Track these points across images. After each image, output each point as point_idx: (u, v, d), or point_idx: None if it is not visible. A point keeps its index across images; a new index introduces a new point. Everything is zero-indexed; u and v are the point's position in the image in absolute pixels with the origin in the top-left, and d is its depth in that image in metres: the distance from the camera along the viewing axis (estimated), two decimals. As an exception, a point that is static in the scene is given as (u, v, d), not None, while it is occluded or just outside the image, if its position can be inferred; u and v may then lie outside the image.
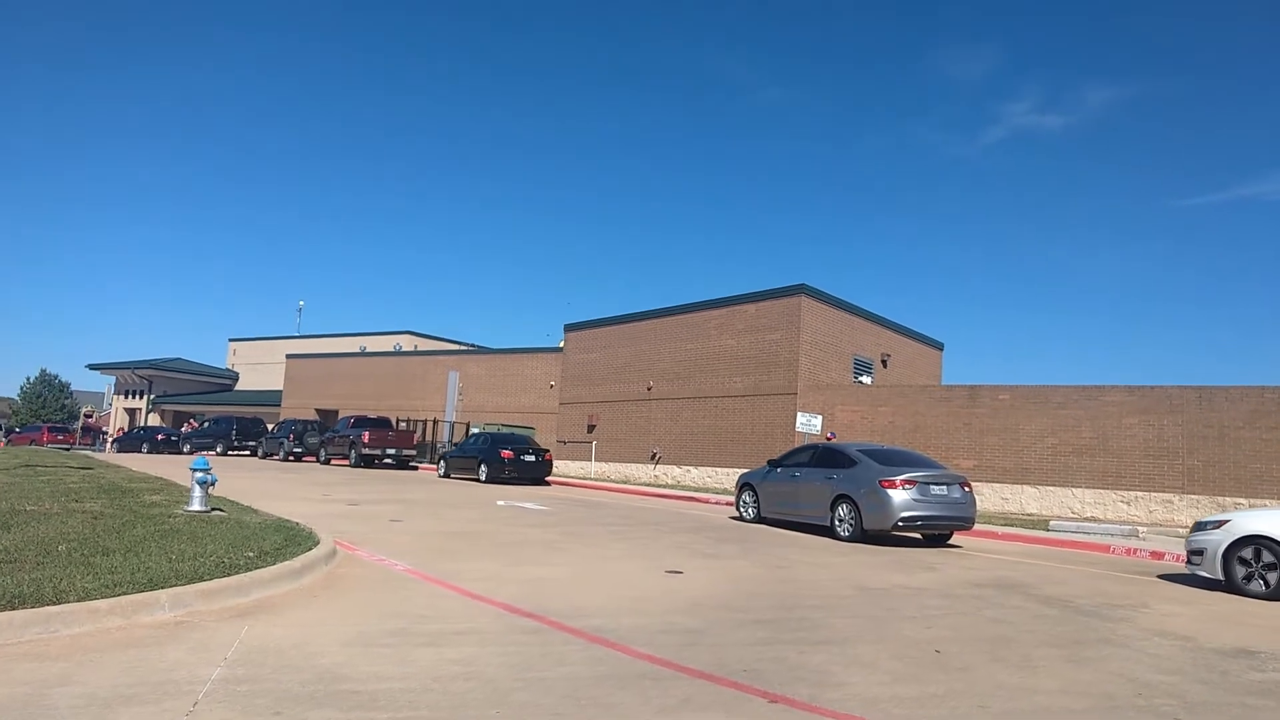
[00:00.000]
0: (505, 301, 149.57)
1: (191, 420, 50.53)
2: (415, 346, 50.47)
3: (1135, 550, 13.23)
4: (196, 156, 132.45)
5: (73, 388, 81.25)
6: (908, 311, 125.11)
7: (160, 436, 40.43)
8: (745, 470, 18.45)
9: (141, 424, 53.15)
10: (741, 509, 15.87)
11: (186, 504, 10.42)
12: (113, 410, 60.70)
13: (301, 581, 6.98)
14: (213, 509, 10.42)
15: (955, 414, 22.51)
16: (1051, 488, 20.62)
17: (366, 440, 30.19)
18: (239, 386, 61.18)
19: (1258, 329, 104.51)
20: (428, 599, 6.82)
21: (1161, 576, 10.65)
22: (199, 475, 10.36)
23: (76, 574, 5.82)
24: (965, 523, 13.15)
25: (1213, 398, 19.02)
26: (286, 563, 7.07)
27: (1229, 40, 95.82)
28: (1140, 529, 16.03)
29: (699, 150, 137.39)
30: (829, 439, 23.38)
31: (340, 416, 37.69)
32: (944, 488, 12.90)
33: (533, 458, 25.07)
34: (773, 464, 15.50)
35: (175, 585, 5.80)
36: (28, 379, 78.84)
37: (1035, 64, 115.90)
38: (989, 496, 21.16)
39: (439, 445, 34.63)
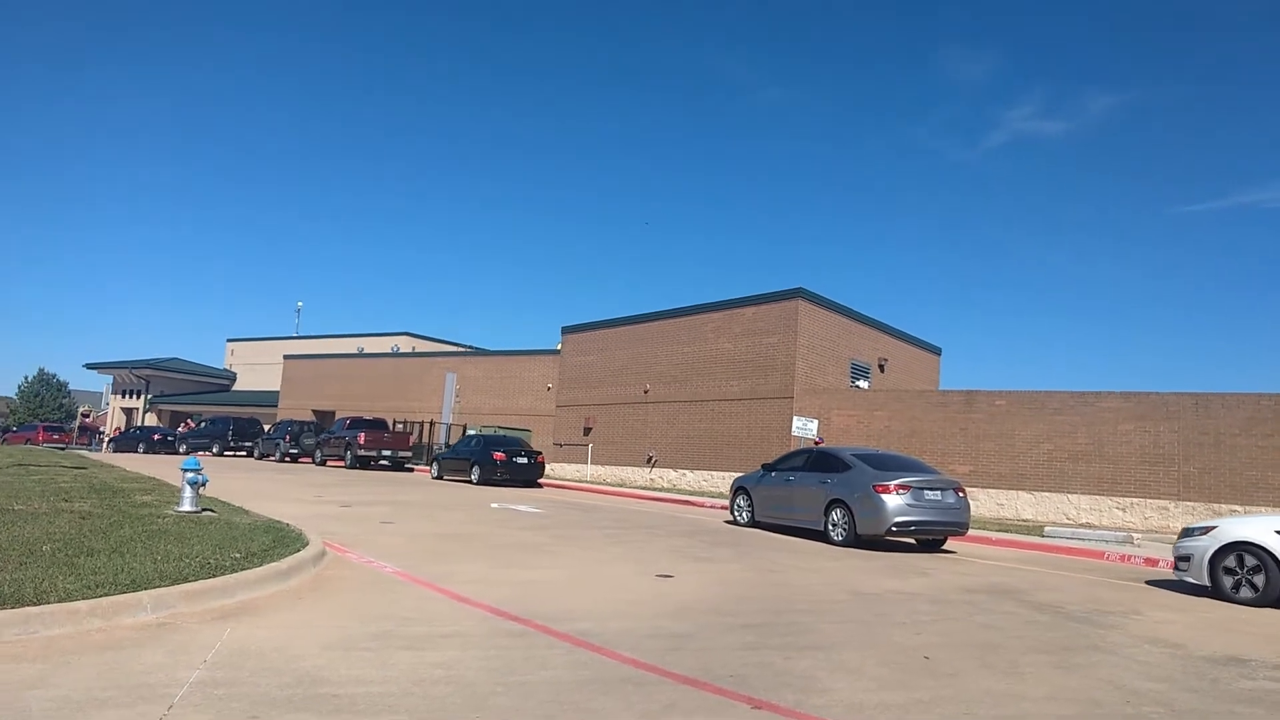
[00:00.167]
0: (503, 303, 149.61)
1: (189, 420, 50.42)
2: (413, 348, 50.41)
3: (1129, 557, 13.20)
4: (195, 156, 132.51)
5: (71, 387, 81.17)
6: (906, 316, 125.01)
7: (157, 436, 40.39)
8: (740, 474, 18.40)
9: (139, 424, 53.07)
10: (736, 513, 15.82)
11: (177, 504, 10.37)
12: (110, 410, 60.63)
13: (288, 583, 6.94)
14: (203, 509, 10.38)
15: (951, 419, 22.48)
16: (1047, 493, 20.58)
17: (362, 441, 30.15)
18: (236, 387, 61.12)
19: (1255, 336, 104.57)
20: (414, 601, 6.78)
21: (1154, 583, 10.62)
22: (189, 476, 10.32)
23: (59, 575, 5.77)
24: (959, 528, 13.11)
25: (1209, 404, 19.00)
26: (273, 564, 7.02)
27: (1228, 48, 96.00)
28: (1135, 535, 15.99)
29: (698, 151, 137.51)
30: (817, 443, 23.36)
31: (337, 418, 37.65)
32: (938, 493, 12.87)
33: (525, 460, 25.04)
34: (767, 468, 15.46)
35: (158, 586, 5.75)
36: (26, 378, 78.76)
37: (1036, 70, 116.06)
38: (984, 502, 21.13)
39: (435, 447, 34.58)
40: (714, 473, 26.40)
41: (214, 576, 6.25)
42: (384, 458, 30.95)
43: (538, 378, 35.67)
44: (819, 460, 14.34)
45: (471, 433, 30.54)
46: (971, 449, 21.94)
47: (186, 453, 36.21)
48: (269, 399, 49.78)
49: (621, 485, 27.39)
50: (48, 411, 72.08)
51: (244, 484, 18.41)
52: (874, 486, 12.61)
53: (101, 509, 9.99)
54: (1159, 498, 19.14)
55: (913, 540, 13.50)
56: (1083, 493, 20.11)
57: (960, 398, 22.77)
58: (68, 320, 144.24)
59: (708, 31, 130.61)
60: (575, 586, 7.97)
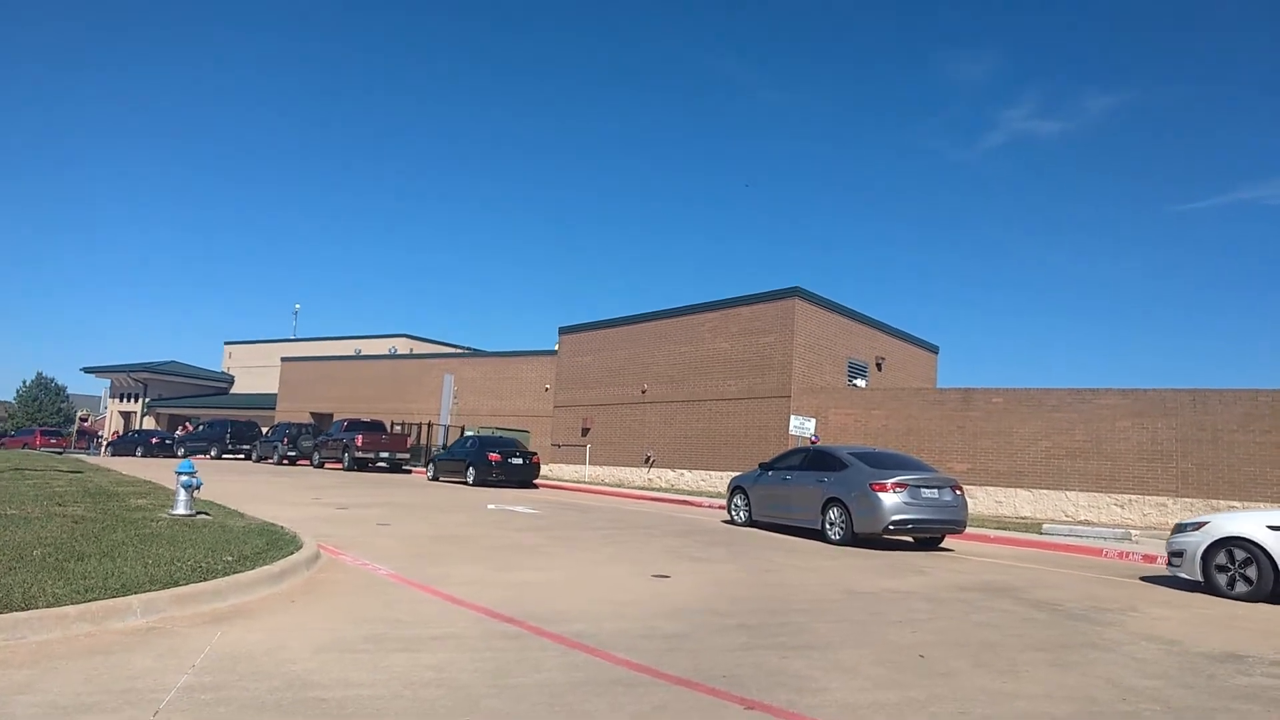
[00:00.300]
0: (501, 304, 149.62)
1: (187, 424, 50.36)
2: (411, 349, 50.34)
3: (1128, 554, 13.18)
4: (192, 158, 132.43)
5: (69, 391, 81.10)
6: (903, 315, 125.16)
7: (155, 440, 40.31)
8: (738, 474, 18.37)
9: (137, 427, 52.98)
10: (733, 512, 15.79)
11: (171, 508, 10.33)
12: (108, 414, 60.56)
13: (280, 586, 6.90)
14: (198, 513, 10.34)
15: (949, 417, 22.46)
16: (1045, 491, 20.56)
17: (360, 444, 30.11)
18: (234, 390, 61.03)
19: (1252, 332, 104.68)
20: (408, 604, 6.74)
21: (1152, 580, 10.59)
22: (184, 479, 10.28)
23: (48, 579, 5.73)
24: (956, 526, 13.08)
25: (1206, 401, 18.98)
26: (265, 567, 6.99)
27: (1226, 46, 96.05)
28: (1133, 532, 15.98)
29: (697, 151, 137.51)
30: (813, 442, 23.33)
31: (335, 420, 37.60)
32: (935, 491, 12.84)
33: (520, 461, 25.01)
34: (764, 467, 15.43)
35: (149, 590, 5.71)
36: (24, 382, 78.78)
37: (1034, 69, 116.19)
38: (983, 500, 21.10)
39: (434, 449, 34.54)
40: (712, 472, 26.37)
41: (205, 580, 6.21)
42: (382, 460, 30.90)
43: (535, 378, 35.62)
44: (816, 459, 14.32)
45: (470, 434, 30.50)
46: (969, 447, 21.92)
47: (185, 456, 36.14)
48: (267, 402, 49.70)
49: (619, 485, 27.36)
50: (46, 416, 72.02)
51: (241, 487, 18.36)
52: (871, 485, 12.59)
53: (95, 513, 9.95)
54: (1157, 494, 19.12)
55: (910, 539, 13.47)
56: (1081, 490, 20.09)
57: (957, 396, 22.75)
58: (66, 324, 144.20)
59: (707, 32, 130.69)
60: (570, 588, 7.94)
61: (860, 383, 27.70)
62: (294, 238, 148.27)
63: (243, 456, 37.87)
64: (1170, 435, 19.19)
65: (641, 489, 25.86)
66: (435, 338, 55.48)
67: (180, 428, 48.30)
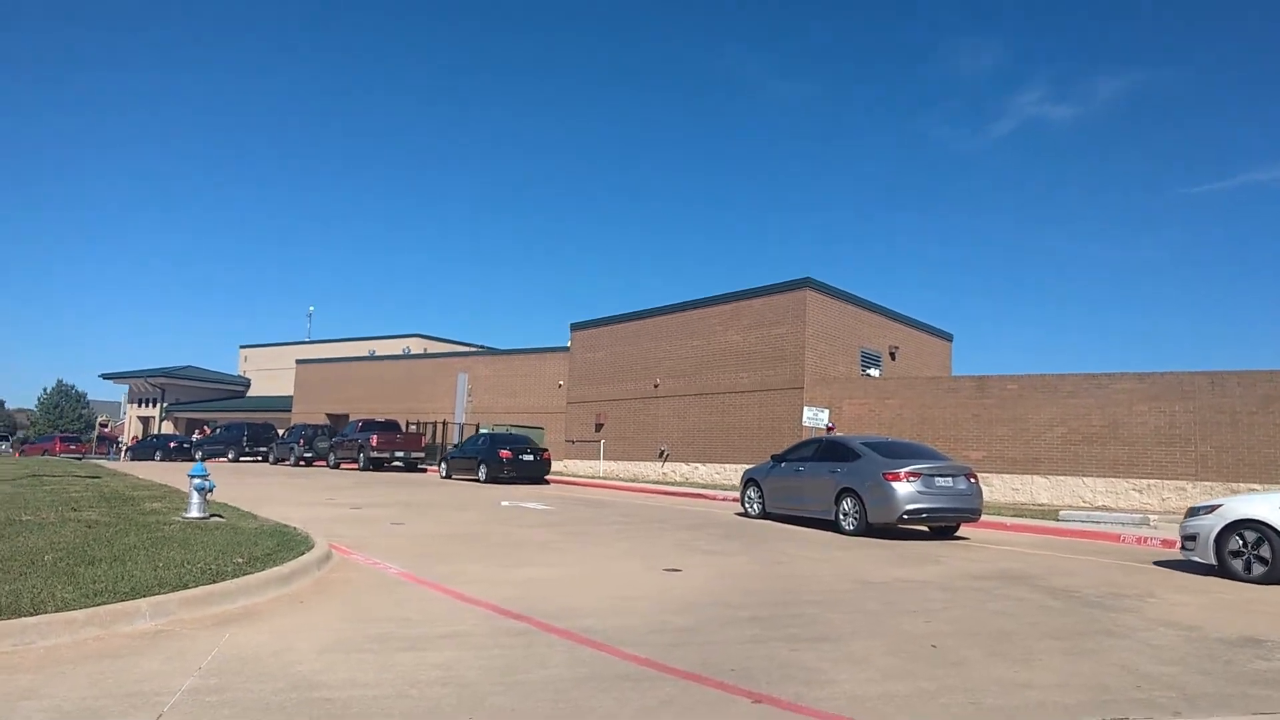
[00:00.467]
0: (514, 302, 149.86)
1: (205, 427, 50.70)
2: (425, 349, 50.48)
3: (1147, 539, 13.02)
4: (205, 163, 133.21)
5: (89, 398, 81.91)
6: (917, 304, 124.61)
7: (173, 444, 40.58)
8: (751, 466, 18.31)
9: (155, 432, 53.39)
10: (746, 505, 15.74)
11: (184, 511, 10.39)
12: (127, 419, 61.08)
13: (290, 587, 6.91)
14: (211, 515, 10.40)
15: (963, 405, 22.30)
16: (1062, 477, 20.38)
17: (375, 444, 30.21)
18: (251, 393, 61.39)
19: (1269, 313, 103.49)
20: (417, 602, 6.73)
21: (1171, 565, 10.46)
22: (196, 482, 10.34)
23: (58, 584, 5.75)
24: (972, 514, 12.98)
25: (1224, 383, 18.75)
26: (275, 568, 7.00)
27: (1237, 28, 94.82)
28: (1152, 517, 15.81)
29: (705, 146, 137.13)
30: (829, 430, 23.23)
31: (350, 420, 37.74)
32: (949, 479, 12.74)
33: (531, 457, 25.07)
34: (776, 459, 15.36)
35: (158, 594, 5.73)
36: (45, 390, 79.60)
37: (1044, 54, 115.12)
38: (999, 487, 20.95)
39: (448, 447, 34.63)
40: (726, 465, 26.30)
41: (214, 582, 6.22)
42: (397, 459, 31.00)
43: (549, 375, 35.64)
44: (828, 449, 14.23)
45: (484, 431, 30.55)
46: (984, 434, 21.75)
47: (202, 459, 36.36)
48: (283, 404, 49.97)
49: (634, 480, 27.34)
50: (67, 422, 72.75)
51: (256, 489, 18.45)
52: (884, 475, 12.50)
53: (109, 517, 10.01)
54: (1176, 478, 18.91)
55: (925, 528, 13.37)
56: (1098, 475, 19.91)
57: (972, 383, 22.57)
58: (84, 331, 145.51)
59: (712, 26, 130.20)
60: (580, 583, 7.91)
61: (874, 372, 27.54)
62: (307, 241, 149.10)
63: (260, 459, 38.06)
64: (1188, 419, 18.97)
65: (656, 483, 25.82)
66: (448, 337, 55.68)
67: (197, 431, 48.63)
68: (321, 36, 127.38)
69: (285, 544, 8.21)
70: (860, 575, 8.87)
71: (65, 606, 5.22)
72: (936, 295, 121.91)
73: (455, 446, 30.09)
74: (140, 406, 60.28)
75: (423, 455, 31.91)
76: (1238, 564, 9.10)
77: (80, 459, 38.76)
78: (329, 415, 44.14)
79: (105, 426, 65.92)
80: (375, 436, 30.36)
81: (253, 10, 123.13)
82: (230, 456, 37.79)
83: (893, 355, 28.76)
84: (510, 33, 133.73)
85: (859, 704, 4.35)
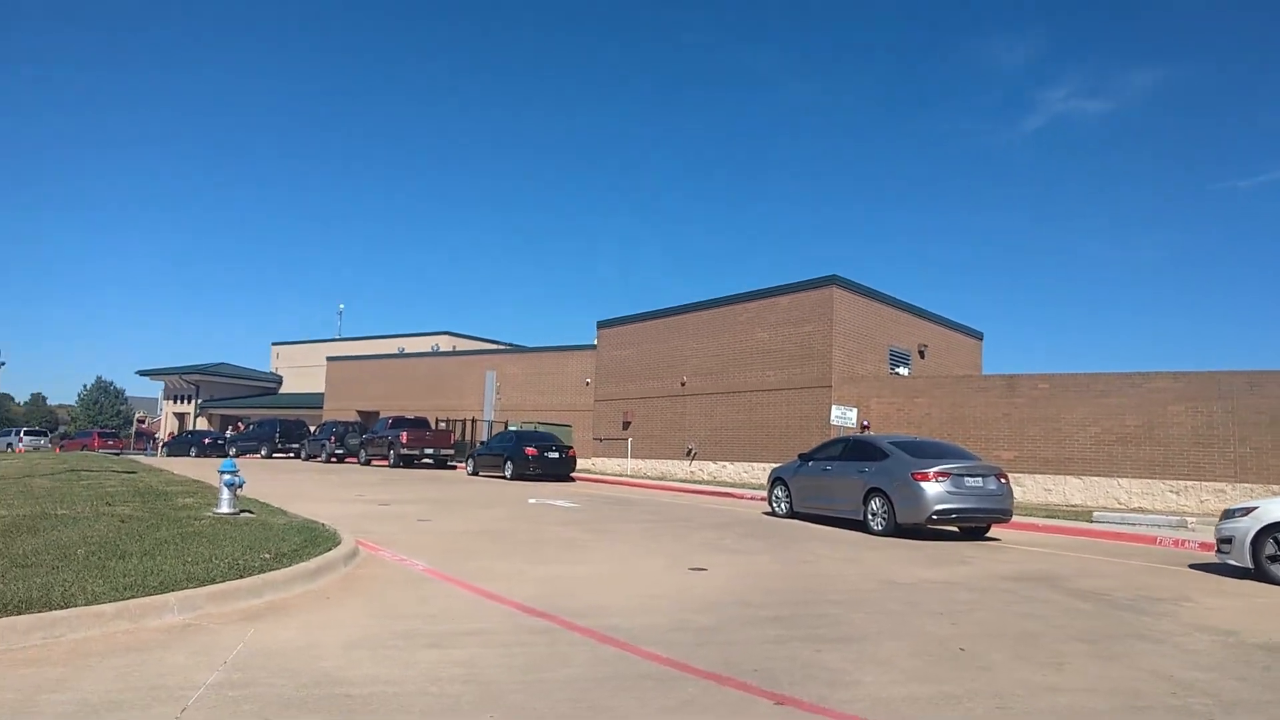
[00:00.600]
0: (541, 300, 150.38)
1: (239, 423, 51.41)
2: (453, 347, 50.82)
3: (1183, 542, 12.76)
4: (240, 167, 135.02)
5: (128, 394, 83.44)
6: (947, 302, 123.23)
7: (207, 440, 41.18)
8: (778, 465, 18.21)
9: (190, 428, 54.24)
10: (774, 504, 15.64)
11: (215, 507, 10.51)
12: (163, 415, 62.09)
13: (316, 583, 6.96)
14: (241, 511, 10.51)
15: (993, 404, 22.00)
16: (1096, 478, 20.04)
17: (405, 440, 30.42)
18: (283, 389, 62.14)
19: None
20: (442, 599, 6.76)
21: (1208, 568, 10.23)
22: (226, 478, 10.45)
23: (88, 578, 5.84)
24: (1002, 515, 12.79)
25: (1263, 383, 18.33)
26: (302, 564, 7.06)
27: (1270, 19, 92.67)
28: (1189, 519, 15.48)
29: (732, 145, 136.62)
30: (864, 428, 23.03)
31: (380, 417, 38.06)
32: (979, 479, 12.57)
33: (556, 455, 25.19)
34: (804, 458, 15.25)
35: (186, 588, 5.80)
36: (85, 386, 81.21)
37: (1074, 50, 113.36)
38: (1031, 488, 20.66)
39: (477, 444, 34.81)
40: (754, 464, 26.18)
41: (241, 577, 6.29)
42: (427, 456, 31.18)
43: (576, 373, 35.69)
44: (856, 449, 14.10)
45: (513, 428, 30.67)
46: (1016, 434, 21.45)
47: (236, 455, 36.89)
48: (314, 401, 50.53)
49: (662, 478, 27.30)
50: (107, 418, 74.18)
51: (287, 486, 18.67)
52: (913, 474, 12.36)
53: (142, 512, 10.16)
54: (1214, 480, 18.52)
55: (955, 529, 13.21)
56: (1134, 476, 19.55)
57: (1002, 382, 22.27)
58: (124, 330, 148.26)
59: (741, 26, 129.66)
60: (605, 581, 7.90)
61: (903, 371, 27.27)
62: (338, 240, 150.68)
63: (292, 455, 38.50)
64: (1226, 419, 18.56)
65: (683, 482, 25.77)
66: (477, 334, 55.99)
67: (231, 428, 49.34)
68: (357, 39, 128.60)
69: (313, 540, 8.27)
70: (887, 576, 8.77)
71: (95, 600, 5.30)
72: (966, 294, 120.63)
73: (481, 444, 30.25)
74: (176, 403, 61.27)
75: (452, 452, 32.09)
76: (1276, 568, 8.90)
77: (118, 454, 39.46)
78: (359, 412, 44.55)
79: (143, 422, 67.08)
80: (405, 433, 30.58)
81: (288, 15, 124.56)
82: (263, 453, 38.28)
83: (922, 353, 28.46)
84: (539, 33, 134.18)
85: (883, 707, 4.30)
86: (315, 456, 35.49)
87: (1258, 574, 9.08)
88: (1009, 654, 5.48)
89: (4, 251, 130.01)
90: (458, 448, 33.33)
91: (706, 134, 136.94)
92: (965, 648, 5.61)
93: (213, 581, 6.05)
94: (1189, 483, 18.82)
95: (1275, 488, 17.44)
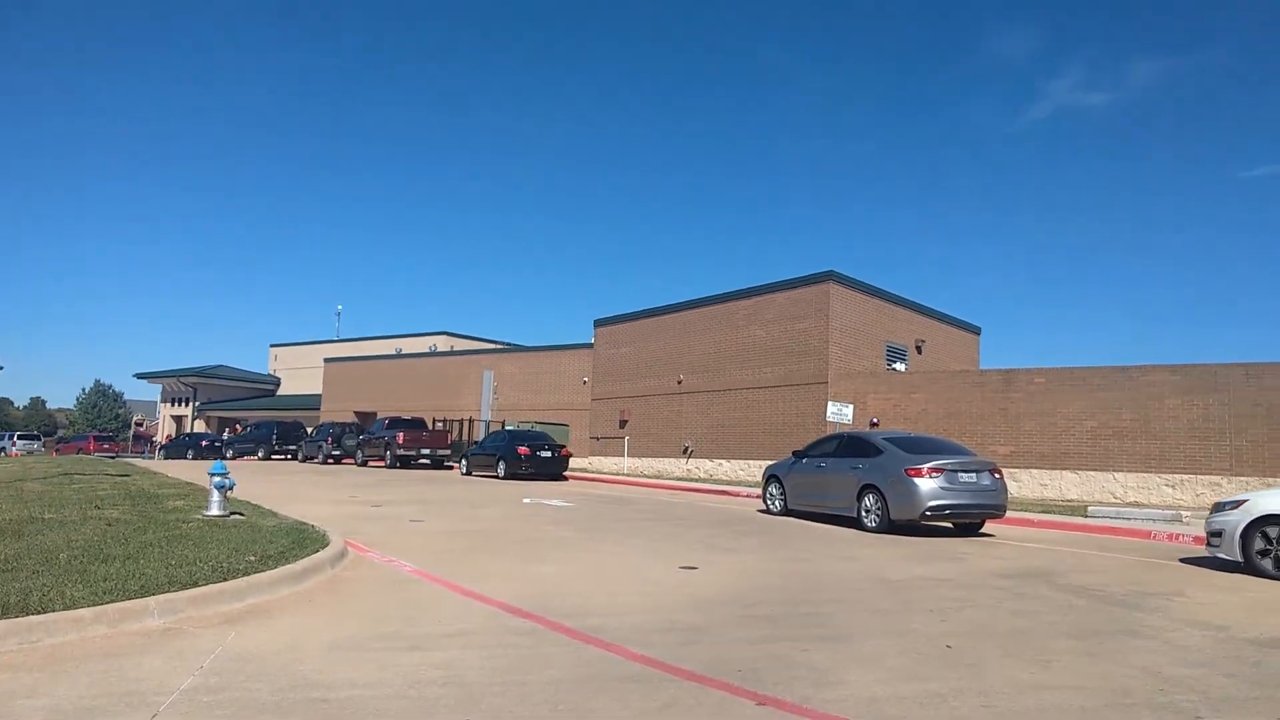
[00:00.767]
0: (539, 299, 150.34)
1: (237, 425, 51.32)
2: (451, 347, 50.74)
3: (1178, 535, 12.73)
4: (236, 166, 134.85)
5: (126, 397, 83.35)
6: (945, 297, 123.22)
7: (204, 442, 41.11)
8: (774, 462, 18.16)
9: (188, 431, 54.18)
10: (768, 501, 15.60)
11: (205, 509, 10.46)
12: (161, 418, 62.04)
13: (302, 585, 6.91)
14: (231, 513, 10.45)
15: (990, 399, 21.95)
16: (1092, 472, 19.99)
17: (401, 441, 30.38)
18: (281, 391, 62.07)
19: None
20: (428, 601, 6.70)
21: (1201, 562, 10.18)
22: (216, 480, 10.39)
23: (69, 582, 5.78)
24: (996, 510, 12.75)
25: (1261, 375, 18.28)
26: (287, 566, 7.00)
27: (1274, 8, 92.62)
28: (1185, 513, 15.44)
29: (730, 143, 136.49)
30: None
31: (377, 418, 38.01)
32: (973, 475, 12.52)
33: (549, 454, 25.20)
34: (798, 455, 15.20)
35: (167, 592, 5.74)
36: (83, 390, 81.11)
37: (1074, 44, 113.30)
38: (1027, 483, 20.61)
39: (471, 444, 34.76)
40: (750, 462, 26.13)
41: (225, 580, 6.23)
42: (423, 456, 31.16)
43: (573, 372, 35.64)
44: (850, 445, 14.06)
45: (509, 428, 30.63)
46: (1012, 429, 21.40)
47: (233, 457, 36.84)
48: (312, 402, 50.47)
49: (659, 477, 27.26)
50: (105, 422, 74.07)
51: (282, 487, 18.61)
52: (906, 470, 12.31)
53: (130, 515, 10.10)
54: (1211, 473, 18.48)
55: (949, 524, 13.17)
56: (1130, 470, 19.50)
57: (998, 377, 22.21)
58: (122, 333, 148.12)
59: (738, 24, 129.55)
60: (594, 581, 7.85)
61: (900, 366, 27.22)
62: (336, 241, 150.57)
63: (289, 457, 38.44)
64: (1223, 412, 18.52)
65: (680, 480, 25.72)
66: (474, 334, 55.92)
67: (228, 430, 49.27)
68: (352, 43, 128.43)
69: (300, 542, 8.22)
70: (879, 573, 8.72)
71: (74, 605, 5.24)
72: (965, 289, 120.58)
73: (475, 444, 30.23)
74: (174, 405, 61.20)
75: (449, 453, 32.06)
76: (1268, 561, 8.87)
77: (113, 457, 39.38)
78: (357, 413, 44.50)
79: (140, 425, 67.07)
80: (401, 434, 30.54)
81: (287, 19, 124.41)
82: (260, 454, 38.22)
83: (919, 349, 28.41)
84: (537, 33, 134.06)
85: (867, 706, 4.24)
86: (312, 458, 35.44)
87: (1247, 567, 9.07)
88: (998, 651, 5.43)
89: (3, 256, 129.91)
90: (455, 448, 33.30)
91: (706, 133, 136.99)
92: (954, 645, 5.56)
93: (195, 585, 6.00)
94: (1185, 476, 18.78)
95: (1272, 480, 17.40)
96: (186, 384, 59.16)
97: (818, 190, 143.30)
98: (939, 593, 7.63)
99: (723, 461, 27.43)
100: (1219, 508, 9.64)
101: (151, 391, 66.87)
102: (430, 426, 33.92)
